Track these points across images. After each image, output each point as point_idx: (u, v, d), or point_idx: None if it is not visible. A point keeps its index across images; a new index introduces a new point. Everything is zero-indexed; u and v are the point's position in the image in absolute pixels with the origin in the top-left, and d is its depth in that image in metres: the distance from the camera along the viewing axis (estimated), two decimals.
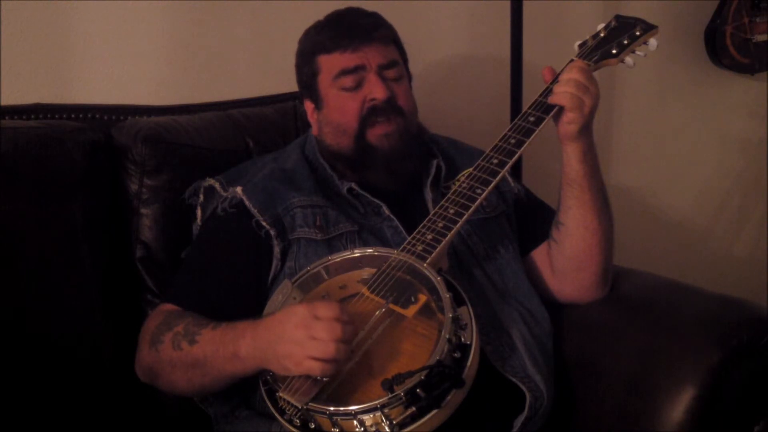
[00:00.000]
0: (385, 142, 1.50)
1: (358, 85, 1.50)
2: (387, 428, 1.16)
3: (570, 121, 1.42)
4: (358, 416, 1.17)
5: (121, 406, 1.53)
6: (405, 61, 1.59)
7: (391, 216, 1.51)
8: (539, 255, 1.60)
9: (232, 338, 1.28)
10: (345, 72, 1.50)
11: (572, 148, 1.45)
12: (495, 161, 1.41)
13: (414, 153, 1.54)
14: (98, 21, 1.79)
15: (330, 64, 1.51)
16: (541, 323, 1.53)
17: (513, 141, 1.42)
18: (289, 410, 1.22)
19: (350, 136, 1.52)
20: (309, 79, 1.56)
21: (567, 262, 1.53)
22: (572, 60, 1.48)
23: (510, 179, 1.63)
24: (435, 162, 1.60)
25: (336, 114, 1.53)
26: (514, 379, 1.40)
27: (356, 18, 1.54)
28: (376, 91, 1.49)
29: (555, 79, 1.45)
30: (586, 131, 1.44)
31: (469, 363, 1.21)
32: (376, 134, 1.50)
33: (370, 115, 1.50)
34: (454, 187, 1.42)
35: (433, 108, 1.67)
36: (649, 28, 1.50)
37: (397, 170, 1.53)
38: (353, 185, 1.52)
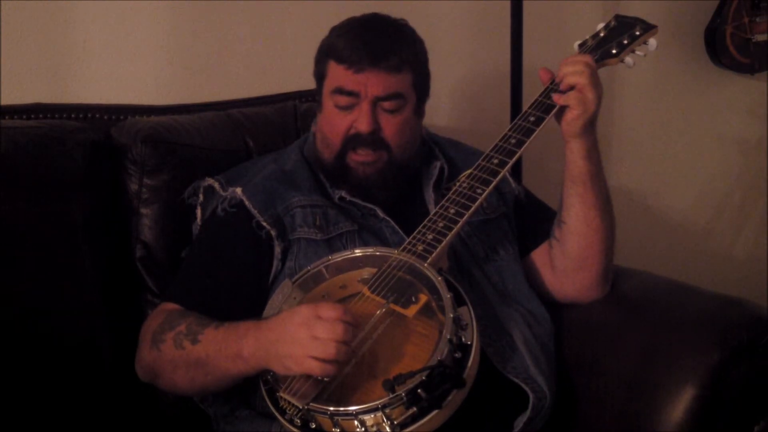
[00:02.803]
0: (361, 169, 1.50)
1: (350, 107, 1.48)
2: (388, 428, 1.16)
3: (576, 117, 1.41)
4: (359, 416, 1.17)
5: (121, 406, 1.53)
6: (420, 84, 1.53)
7: (387, 218, 1.52)
8: (539, 255, 1.60)
9: (235, 338, 1.28)
10: (341, 91, 1.48)
11: (577, 145, 1.44)
12: (495, 161, 1.41)
13: (395, 182, 1.52)
14: (98, 21, 1.79)
15: (334, 73, 1.49)
16: (542, 323, 1.53)
17: (513, 141, 1.42)
18: (289, 410, 1.23)
19: (332, 152, 1.51)
20: (318, 77, 1.55)
21: (568, 261, 1.53)
22: None
23: (511, 180, 1.63)
24: (438, 164, 1.60)
25: (326, 125, 1.53)
26: (516, 380, 1.40)
27: (377, 35, 1.49)
28: (361, 122, 1.47)
29: (554, 80, 1.45)
30: (591, 127, 1.44)
31: (470, 363, 1.21)
32: (355, 159, 1.50)
33: (353, 141, 1.49)
34: (454, 187, 1.42)
35: (433, 108, 1.66)
36: (648, 28, 1.50)
37: (372, 195, 1.52)
38: (343, 194, 1.52)
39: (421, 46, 1.56)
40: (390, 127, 1.48)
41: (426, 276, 1.29)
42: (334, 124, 1.50)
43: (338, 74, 1.48)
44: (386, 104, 1.47)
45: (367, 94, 1.46)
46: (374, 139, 1.48)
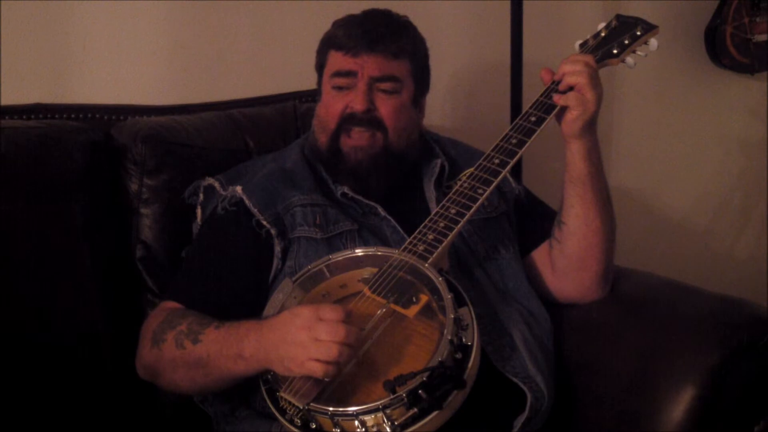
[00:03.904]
0: (352, 154, 1.51)
1: (348, 87, 1.51)
2: (389, 429, 1.16)
3: (575, 118, 1.41)
4: (360, 417, 1.17)
5: (121, 405, 1.53)
6: (418, 75, 1.56)
7: (388, 216, 1.52)
8: (539, 255, 1.60)
9: (236, 338, 1.28)
10: (339, 73, 1.51)
11: (577, 145, 1.44)
12: (496, 161, 1.41)
13: (389, 171, 1.53)
14: (98, 21, 1.79)
15: (333, 60, 1.53)
16: (541, 323, 1.53)
17: (514, 141, 1.42)
18: (290, 410, 1.23)
19: (327, 136, 1.53)
20: (319, 67, 1.58)
21: (568, 261, 1.53)
22: None
23: (511, 179, 1.63)
24: (439, 161, 1.60)
25: (323, 109, 1.55)
26: (515, 380, 1.40)
27: (376, 25, 1.52)
28: (356, 100, 1.49)
29: (555, 80, 1.45)
30: (590, 128, 1.44)
31: (470, 364, 1.21)
32: (347, 143, 1.51)
33: (348, 121, 1.50)
34: (455, 187, 1.42)
35: (433, 107, 1.66)
36: (649, 28, 1.50)
37: (364, 183, 1.53)
38: (346, 189, 1.52)
39: (421, 42, 1.58)
40: (385, 107, 1.50)
41: (427, 276, 1.29)
42: (330, 105, 1.52)
43: (337, 60, 1.52)
44: (382, 85, 1.50)
45: (363, 74, 1.49)
46: (369, 118, 1.50)
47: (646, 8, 1.90)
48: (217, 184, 1.56)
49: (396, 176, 1.55)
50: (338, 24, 1.56)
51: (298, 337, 1.20)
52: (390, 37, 1.51)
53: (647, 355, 1.46)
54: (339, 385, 1.22)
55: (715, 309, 1.48)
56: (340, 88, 1.51)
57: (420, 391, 1.15)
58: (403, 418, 1.16)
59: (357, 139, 1.50)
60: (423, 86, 1.59)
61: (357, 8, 1.58)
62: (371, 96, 1.50)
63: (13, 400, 1.41)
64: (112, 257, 1.61)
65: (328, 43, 1.55)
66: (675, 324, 1.47)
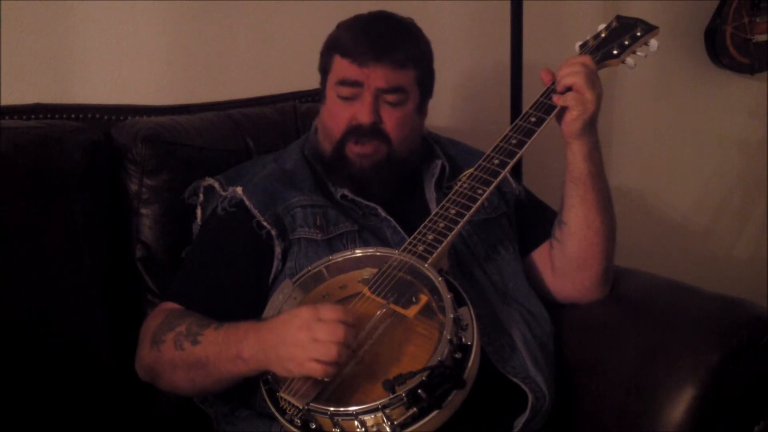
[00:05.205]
0: (358, 161, 1.50)
1: (353, 97, 1.49)
2: (388, 429, 1.16)
3: (575, 118, 1.41)
4: (359, 416, 1.17)
5: (121, 406, 1.53)
6: (423, 82, 1.55)
7: (388, 217, 1.52)
8: (539, 255, 1.60)
9: (236, 339, 1.28)
10: (344, 82, 1.49)
11: (577, 145, 1.45)
12: (496, 161, 1.41)
13: (391, 178, 1.52)
14: (98, 21, 1.79)
15: (338, 67, 1.51)
16: (541, 323, 1.53)
17: (514, 141, 1.42)
18: (289, 410, 1.23)
19: (332, 143, 1.52)
20: (323, 70, 1.57)
21: (568, 261, 1.53)
22: None
23: (511, 180, 1.63)
24: (439, 162, 1.60)
25: (328, 116, 1.54)
26: (515, 380, 1.40)
27: (382, 31, 1.51)
28: (362, 112, 1.48)
29: (554, 81, 1.45)
30: (590, 128, 1.44)
31: (470, 364, 1.21)
32: (353, 150, 1.50)
33: (353, 132, 1.50)
34: (455, 188, 1.42)
35: (434, 108, 1.66)
36: (649, 29, 1.50)
37: (366, 190, 1.52)
38: (346, 192, 1.52)
39: (426, 46, 1.57)
40: (391, 120, 1.49)
41: (426, 276, 1.29)
42: (335, 114, 1.51)
43: (342, 67, 1.50)
44: (388, 97, 1.49)
45: (369, 85, 1.47)
46: (374, 131, 1.49)
47: (646, 8, 1.90)
48: (217, 185, 1.56)
49: (399, 183, 1.55)
50: (343, 27, 1.54)
51: (297, 338, 1.20)
52: (397, 46, 1.49)
53: (647, 355, 1.46)
54: (339, 385, 1.22)
55: (715, 309, 1.48)
56: (346, 99, 1.50)
57: (419, 391, 1.15)
58: (403, 417, 1.16)
59: (362, 147, 1.50)
60: (428, 92, 1.58)
61: (357, 9, 1.57)
62: (377, 107, 1.48)
63: (12, 401, 1.40)
64: (112, 257, 1.61)
65: (333, 47, 1.53)
66: (675, 324, 1.48)
